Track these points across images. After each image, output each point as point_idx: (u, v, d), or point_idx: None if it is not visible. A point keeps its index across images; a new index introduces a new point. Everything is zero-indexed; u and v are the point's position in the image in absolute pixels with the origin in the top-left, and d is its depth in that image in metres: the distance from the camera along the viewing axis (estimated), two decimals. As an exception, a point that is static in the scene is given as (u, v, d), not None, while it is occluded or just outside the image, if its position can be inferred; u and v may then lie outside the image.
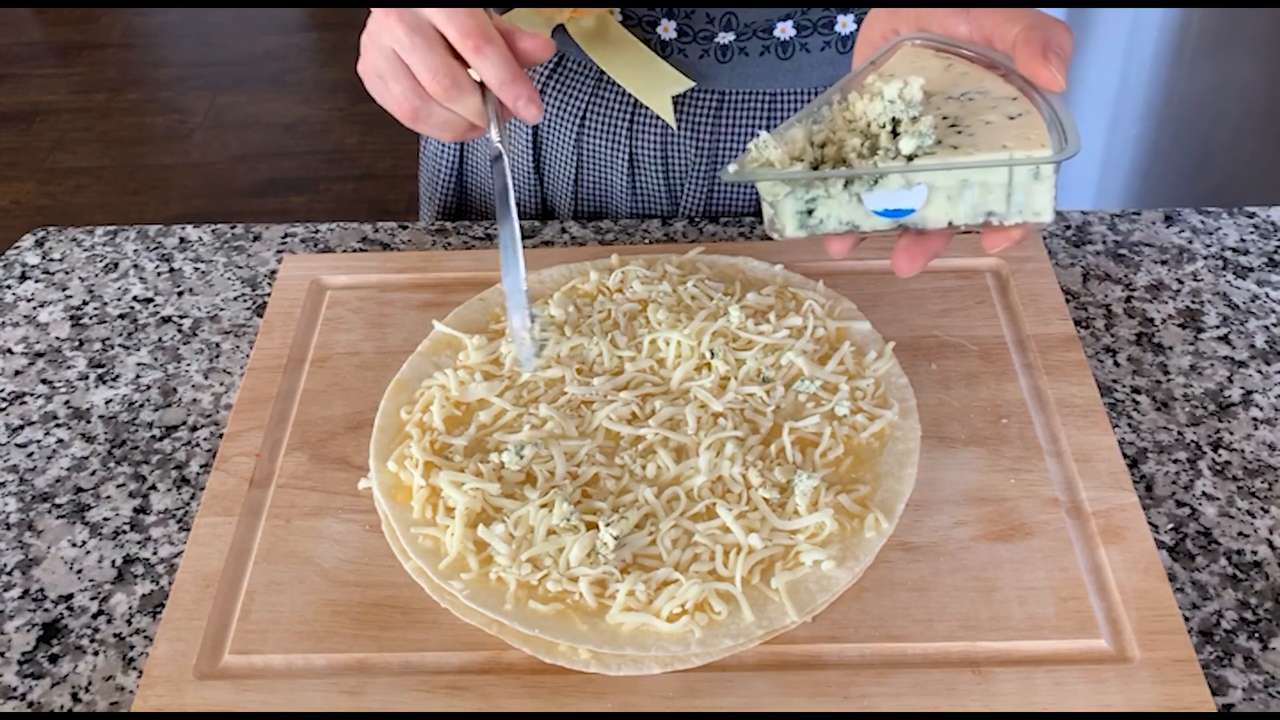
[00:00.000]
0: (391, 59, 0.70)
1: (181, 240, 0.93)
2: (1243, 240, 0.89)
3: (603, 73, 0.92)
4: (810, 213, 0.55)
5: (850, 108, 0.57)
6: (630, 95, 0.92)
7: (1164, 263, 0.87)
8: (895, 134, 0.55)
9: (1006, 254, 0.84)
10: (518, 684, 0.61)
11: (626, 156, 0.94)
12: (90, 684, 0.63)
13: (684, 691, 0.60)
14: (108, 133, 2.93)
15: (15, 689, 0.63)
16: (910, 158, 0.53)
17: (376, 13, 0.70)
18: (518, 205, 1.00)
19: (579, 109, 0.93)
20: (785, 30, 0.88)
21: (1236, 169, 1.74)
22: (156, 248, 0.93)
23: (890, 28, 0.64)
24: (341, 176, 2.75)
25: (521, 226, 0.92)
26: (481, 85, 0.71)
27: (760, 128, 0.92)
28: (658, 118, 0.92)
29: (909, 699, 0.59)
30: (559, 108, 0.94)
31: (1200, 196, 1.72)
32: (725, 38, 0.89)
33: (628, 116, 0.93)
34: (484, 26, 0.68)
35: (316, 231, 0.93)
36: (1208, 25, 1.63)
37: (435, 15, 0.68)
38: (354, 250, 0.91)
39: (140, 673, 0.63)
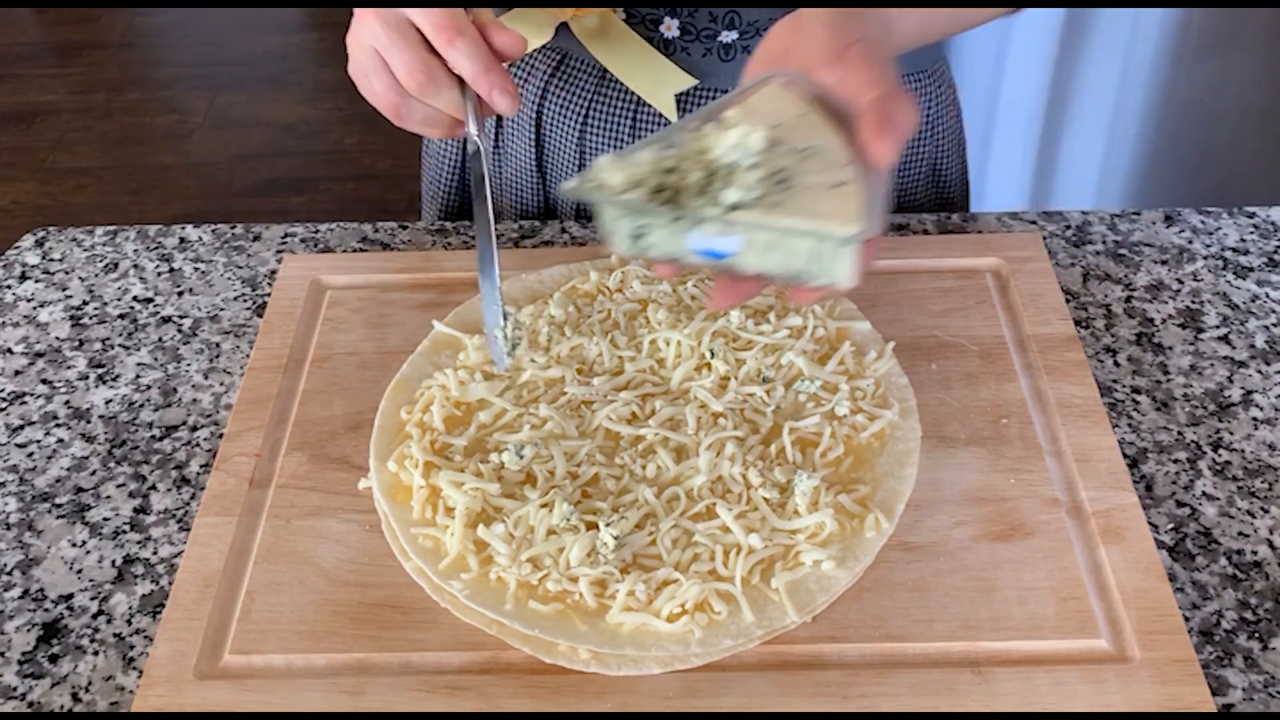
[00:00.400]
0: (373, 56, 0.71)
1: (181, 240, 0.93)
2: (1243, 240, 0.89)
3: (605, 71, 0.92)
4: (639, 237, 0.57)
5: (702, 140, 0.58)
6: (633, 93, 0.92)
7: (1164, 263, 0.87)
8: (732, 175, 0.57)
9: (1007, 254, 0.84)
10: (518, 684, 0.61)
11: None
12: (90, 684, 0.63)
13: (684, 691, 0.60)
14: (108, 133, 2.93)
15: (15, 689, 0.63)
16: (734, 206, 0.55)
17: (358, 12, 0.71)
18: (520, 204, 1.00)
19: (582, 107, 0.93)
20: None
21: (1236, 169, 1.74)
22: (156, 248, 0.93)
23: (784, 49, 0.63)
24: (341, 176, 2.75)
25: (522, 226, 0.92)
26: (462, 81, 0.71)
27: None
28: (660, 115, 0.92)
29: (909, 699, 0.59)
30: (562, 106, 0.94)
31: (1200, 196, 1.72)
32: (728, 36, 0.89)
33: (630, 114, 0.93)
34: (457, 19, 0.69)
35: (316, 231, 0.93)
36: (1208, 25, 1.63)
37: (411, 10, 0.69)
38: (354, 250, 0.91)
39: (140, 673, 0.63)
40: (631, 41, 0.89)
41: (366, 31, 0.70)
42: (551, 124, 0.95)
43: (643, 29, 0.89)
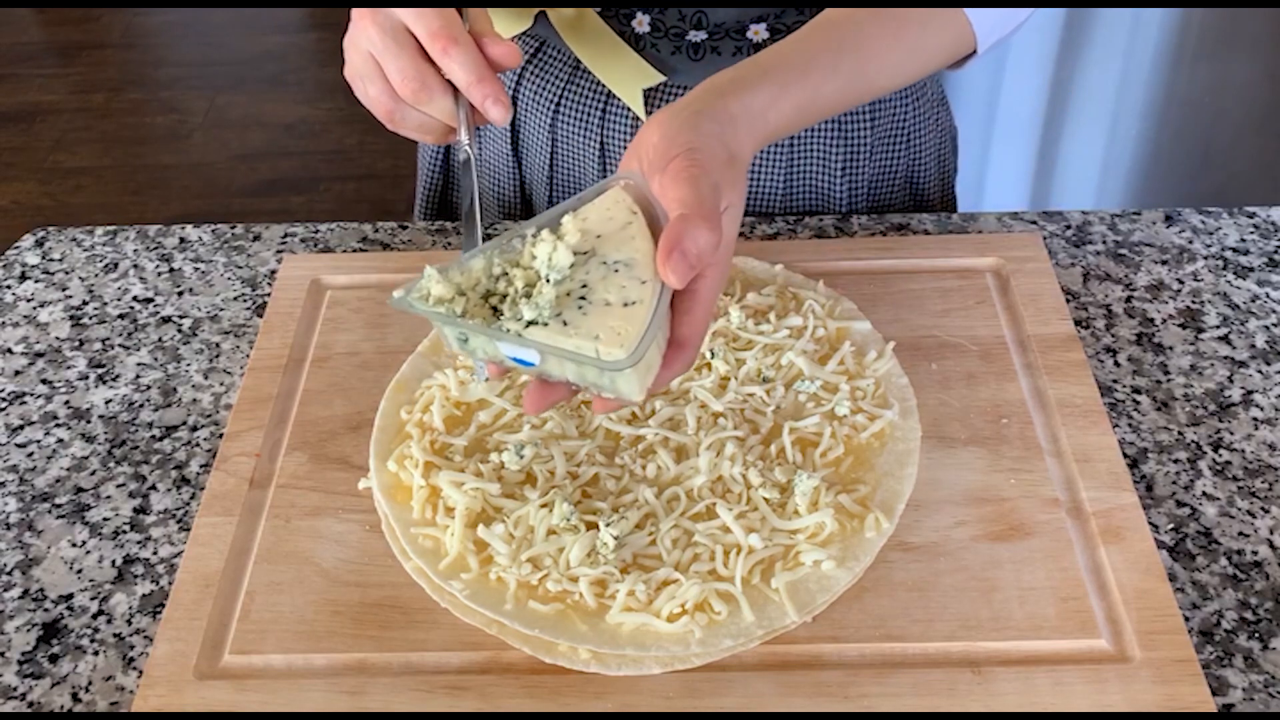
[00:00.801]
0: (368, 61, 0.70)
1: (181, 240, 0.93)
2: (1243, 240, 0.89)
3: (579, 61, 0.92)
4: (465, 340, 0.60)
5: (533, 247, 0.60)
6: (603, 85, 0.92)
7: (1164, 263, 0.87)
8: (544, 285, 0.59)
9: (1007, 254, 0.84)
10: (518, 684, 0.61)
11: (598, 145, 0.94)
12: (90, 684, 0.63)
13: (684, 691, 0.60)
14: (108, 133, 2.93)
15: (15, 689, 0.63)
16: (530, 323, 0.57)
17: (354, 15, 0.71)
18: (498, 191, 1.01)
19: (555, 94, 0.94)
20: (759, 33, 0.88)
21: (1236, 169, 1.74)
22: (156, 248, 0.93)
23: (651, 145, 0.63)
24: (341, 176, 2.75)
25: (506, 224, 0.92)
26: (455, 88, 0.71)
27: None
28: (629, 109, 0.92)
29: (909, 699, 0.59)
30: (536, 92, 0.95)
31: (1200, 196, 1.72)
32: (697, 36, 0.89)
33: (600, 106, 0.93)
34: (451, 27, 0.69)
35: (316, 231, 0.93)
36: (1208, 25, 1.63)
37: (406, 16, 0.69)
38: (354, 250, 0.91)
39: (140, 673, 0.63)
40: (604, 35, 0.90)
41: (363, 36, 0.70)
42: (525, 110, 0.96)
43: (615, 22, 0.90)
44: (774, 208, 0.96)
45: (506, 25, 0.94)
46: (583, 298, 0.58)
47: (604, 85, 0.92)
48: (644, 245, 0.60)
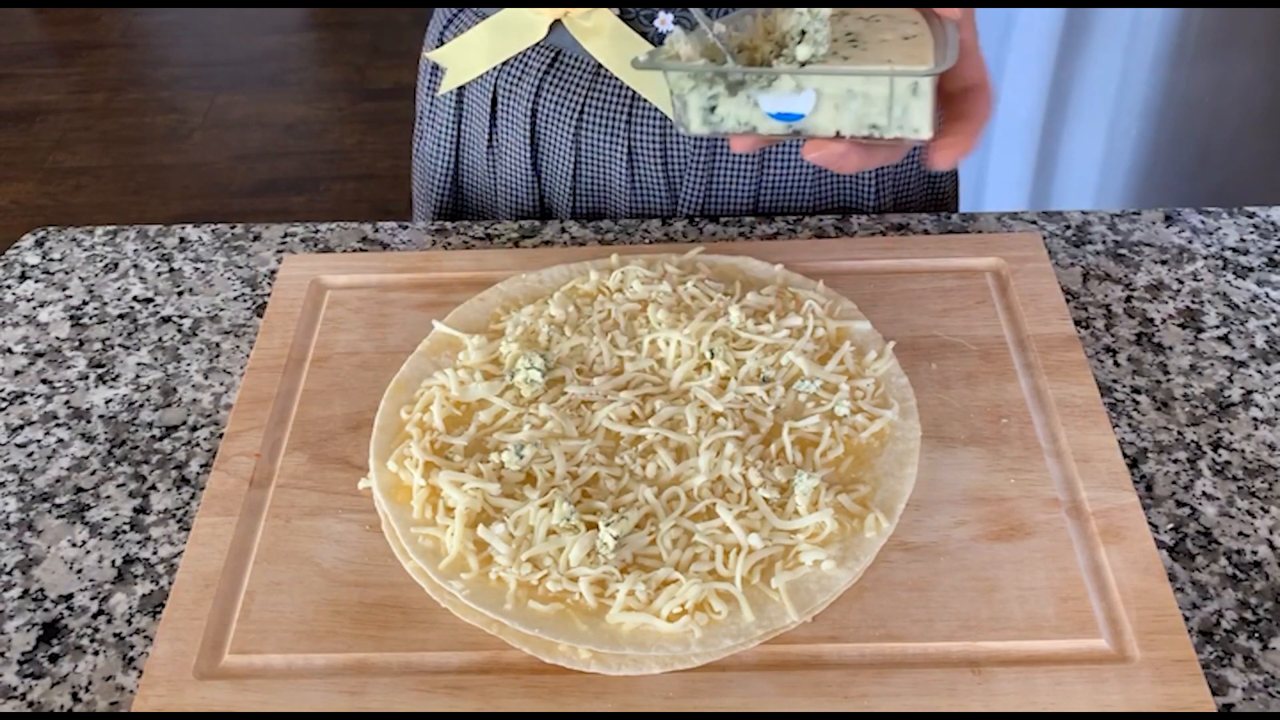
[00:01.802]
0: None
1: (181, 240, 0.93)
2: (1243, 240, 0.89)
3: (600, 67, 0.92)
4: (713, 110, 0.58)
5: (769, 19, 0.59)
6: (628, 89, 0.92)
7: (1164, 263, 0.87)
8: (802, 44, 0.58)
9: (1007, 254, 0.84)
10: (518, 684, 0.61)
11: (625, 149, 0.94)
12: (90, 684, 0.63)
13: (684, 691, 0.60)
14: (108, 133, 2.93)
15: (15, 689, 0.63)
16: (803, 65, 0.56)
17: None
18: (515, 202, 1.00)
19: (577, 103, 0.93)
20: None
21: (1236, 169, 1.74)
22: (156, 248, 0.93)
23: None
24: (341, 176, 2.75)
25: (521, 226, 0.92)
26: None
27: None
28: (656, 110, 0.92)
29: (909, 699, 0.59)
30: (557, 102, 0.94)
31: (1200, 196, 1.72)
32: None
33: (626, 109, 0.93)
34: None
35: (316, 231, 0.93)
36: (1208, 25, 1.63)
37: None
38: (354, 250, 0.91)
39: (140, 673, 0.63)
40: (627, 37, 0.90)
41: None
42: (546, 121, 0.95)
43: (637, 24, 0.89)
44: (805, 201, 0.96)
45: (517, 39, 0.93)
46: (851, 43, 0.57)
47: (628, 89, 0.92)
48: (906, 11, 0.59)
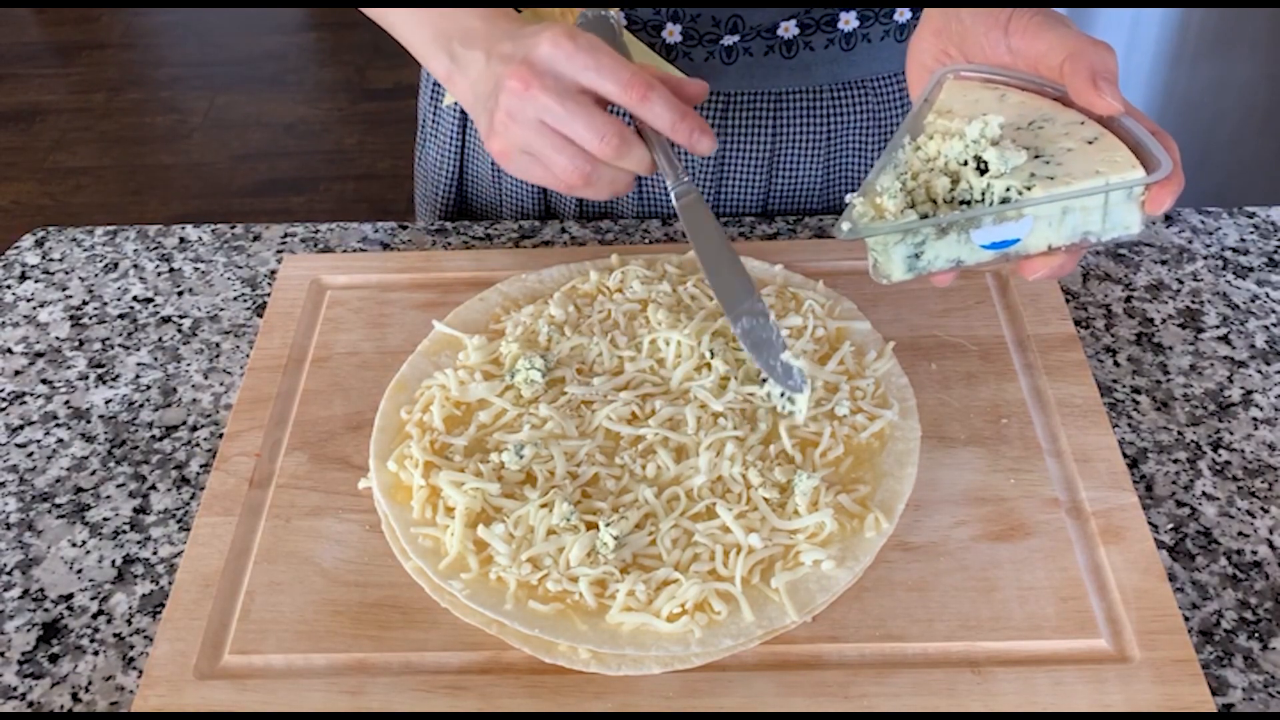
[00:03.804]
0: (544, 132, 0.67)
1: (181, 240, 0.93)
2: (1243, 240, 0.89)
3: None
4: (918, 256, 0.59)
5: (924, 149, 0.59)
6: None
7: (1164, 263, 0.87)
8: (981, 170, 0.58)
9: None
10: (518, 684, 0.61)
11: None
12: (90, 684, 0.63)
13: (684, 691, 0.60)
14: (108, 133, 2.93)
15: (15, 689, 0.63)
16: (1007, 191, 0.56)
17: (509, 87, 0.67)
18: (519, 207, 1.00)
19: None
20: (789, 29, 0.89)
21: (1236, 169, 1.74)
22: (156, 248, 0.93)
23: (939, 50, 0.64)
24: (341, 176, 2.75)
25: (521, 226, 0.92)
26: (638, 132, 0.69)
27: (766, 128, 0.92)
28: None
29: (909, 699, 0.59)
30: None
31: (1200, 196, 1.72)
32: (730, 40, 0.89)
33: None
34: (639, 74, 0.66)
35: (316, 231, 0.93)
36: (1208, 25, 1.63)
37: (582, 74, 0.66)
38: (354, 250, 0.91)
39: (140, 673, 0.63)
40: (633, 47, 0.89)
41: (530, 106, 0.66)
42: None
43: (644, 35, 0.89)
44: (814, 203, 0.96)
45: None
46: (1037, 157, 0.57)
47: None
48: (1037, 102, 0.60)
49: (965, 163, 0.58)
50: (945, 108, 0.61)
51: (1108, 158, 0.57)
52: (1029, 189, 0.56)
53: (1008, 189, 0.56)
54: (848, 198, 0.59)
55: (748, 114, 0.92)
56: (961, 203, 0.58)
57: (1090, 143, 0.58)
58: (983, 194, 0.57)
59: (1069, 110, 0.60)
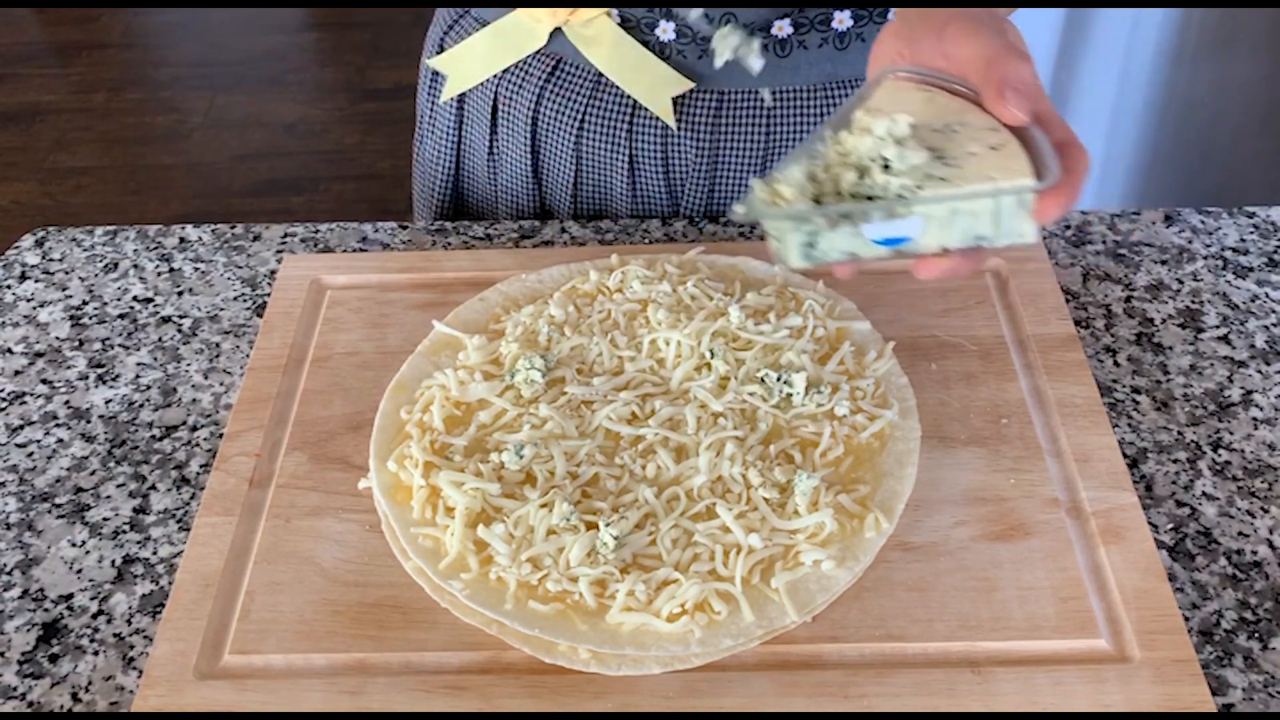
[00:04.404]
0: None
1: (181, 240, 0.93)
2: (1243, 240, 0.89)
3: (600, 75, 0.92)
4: (813, 245, 0.59)
5: (842, 144, 0.60)
6: (629, 97, 0.92)
7: (1164, 263, 0.87)
8: (886, 168, 0.58)
9: (1006, 254, 0.84)
10: (518, 684, 0.61)
11: (626, 158, 0.94)
12: (90, 684, 0.63)
13: (684, 691, 0.60)
14: (108, 133, 2.92)
15: (15, 689, 0.63)
16: (901, 196, 0.57)
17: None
18: (516, 209, 1.00)
19: (578, 112, 0.93)
20: (782, 28, 0.88)
21: (1236, 169, 1.74)
22: (156, 248, 0.93)
23: (895, 51, 0.65)
24: (341, 176, 2.75)
25: (521, 226, 0.92)
26: None
27: (759, 127, 0.92)
28: (657, 119, 0.92)
29: (909, 699, 0.59)
30: (558, 111, 0.94)
31: (1200, 196, 1.72)
32: None
33: (627, 118, 0.93)
34: None
35: (316, 231, 0.93)
36: (1208, 25, 1.63)
37: None
38: (354, 250, 0.91)
39: (140, 673, 0.63)
40: (627, 46, 0.89)
41: None
42: (547, 129, 0.95)
43: (638, 33, 0.89)
44: None
45: (517, 47, 0.93)
46: (939, 159, 0.58)
47: (629, 98, 0.92)
48: (961, 106, 0.60)
49: (874, 159, 0.59)
50: (875, 106, 0.62)
51: (1005, 165, 0.57)
52: (919, 188, 0.57)
53: (902, 187, 0.57)
54: (751, 181, 0.60)
55: (741, 113, 0.92)
56: (867, 198, 0.59)
57: (994, 149, 0.58)
58: (883, 190, 0.58)
59: (987, 117, 0.60)
